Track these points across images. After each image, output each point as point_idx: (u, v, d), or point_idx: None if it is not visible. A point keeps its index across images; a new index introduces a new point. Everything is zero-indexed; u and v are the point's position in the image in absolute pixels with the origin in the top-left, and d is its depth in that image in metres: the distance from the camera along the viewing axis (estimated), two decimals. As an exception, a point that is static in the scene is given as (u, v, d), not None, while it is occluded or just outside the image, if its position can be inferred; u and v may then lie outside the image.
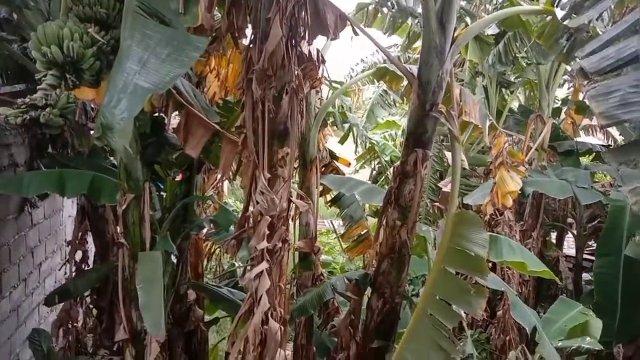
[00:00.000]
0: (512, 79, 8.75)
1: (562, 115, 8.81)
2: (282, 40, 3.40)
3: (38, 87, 2.19)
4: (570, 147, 7.79)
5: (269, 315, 3.48)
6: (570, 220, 9.09)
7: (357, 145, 8.84)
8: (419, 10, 6.40)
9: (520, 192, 5.97)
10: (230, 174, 4.80)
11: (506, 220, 7.00)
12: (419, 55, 4.28)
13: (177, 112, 4.27)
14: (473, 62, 7.49)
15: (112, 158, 5.40)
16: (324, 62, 4.18)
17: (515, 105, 9.61)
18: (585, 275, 8.41)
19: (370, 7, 6.89)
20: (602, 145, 8.82)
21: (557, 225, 8.89)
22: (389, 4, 6.65)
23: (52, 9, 4.70)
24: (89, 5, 2.35)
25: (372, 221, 7.31)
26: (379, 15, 6.91)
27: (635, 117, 1.15)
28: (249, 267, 3.59)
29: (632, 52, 1.25)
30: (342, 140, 8.14)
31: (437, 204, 7.45)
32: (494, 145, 6.04)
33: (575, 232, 8.72)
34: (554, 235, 9.40)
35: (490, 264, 5.40)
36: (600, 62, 1.30)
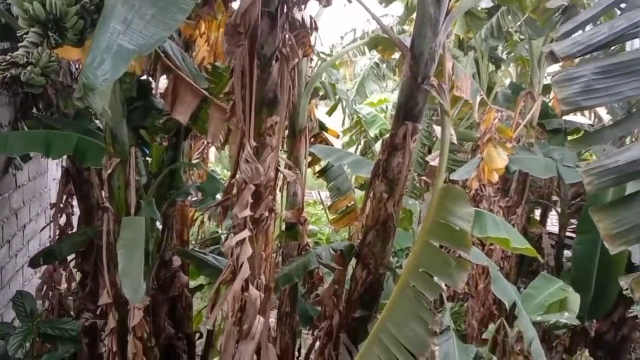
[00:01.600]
0: (504, 55, 8.71)
1: (552, 94, 8.82)
2: (258, 1, 3.30)
3: (19, 44, 2.12)
4: (559, 125, 7.81)
5: (250, 282, 3.50)
6: (554, 197, 9.19)
7: (344, 118, 8.80)
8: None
9: (505, 169, 6.00)
10: (218, 140, 4.75)
11: (491, 196, 7.06)
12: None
13: (164, 76, 4.19)
14: (459, 36, 7.43)
15: (97, 121, 5.32)
16: (316, 29, 4.10)
17: (506, 82, 9.59)
18: (567, 253, 8.55)
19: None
20: (590, 125, 8.87)
21: (542, 202, 8.99)
22: None
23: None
24: (72, -40, 2.27)
25: (359, 194, 7.33)
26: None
27: (596, 103, 1.15)
28: (231, 235, 3.59)
29: (601, 39, 1.24)
30: (330, 112, 8.09)
31: (424, 177, 7.47)
32: (483, 121, 6.04)
33: (559, 209, 8.83)
34: (538, 212, 9.52)
35: (476, 240, 5.46)
36: (572, 47, 1.28)
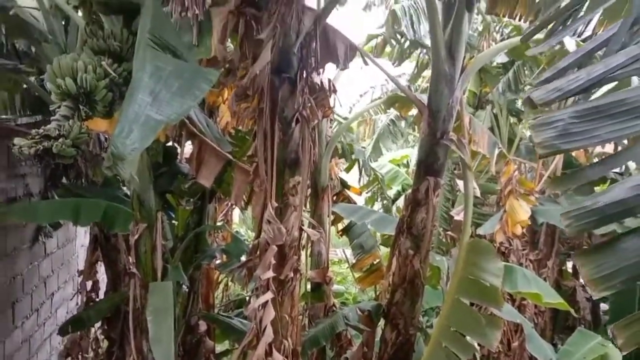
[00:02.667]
0: (523, 108, 8.74)
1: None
2: (268, 66, 3.43)
3: (52, 118, 2.22)
4: (584, 174, 7.70)
5: (274, 346, 3.43)
6: (586, 248, 8.93)
7: (361, 176, 8.86)
8: (427, 41, 6.47)
9: (532, 221, 5.90)
10: (242, 203, 4.81)
11: (519, 249, 6.90)
12: (428, 84, 4.31)
13: (190, 142, 4.31)
14: (474, 92, 7.53)
15: (125, 188, 5.45)
16: (335, 91, 4.22)
17: (528, 134, 9.58)
18: (604, 306, 8.21)
19: (379, 39, 6.98)
20: (617, 173, 8.72)
21: (573, 254, 8.73)
22: (398, 36, 6.73)
23: (69, 42, 4.83)
24: (103, 38, 2.41)
25: (384, 251, 7.25)
26: (388, 46, 6.99)
27: (573, 147, 1.14)
28: (254, 297, 3.55)
29: (579, 84, 1.24)
30: (348, 170, 8.15)
31: (449, 232, 7.37)
32: (503, 174, 6.01)
33: (592, 261, 8.54)
34: (570, 264, 9.23)
35: (507, 295, 5.31)
36: (550, 93, 1.28)
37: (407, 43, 6.83)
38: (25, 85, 5.01)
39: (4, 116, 5.16)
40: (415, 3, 6.34)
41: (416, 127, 7.61)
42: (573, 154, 8.19)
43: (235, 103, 3.74)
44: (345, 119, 7.51)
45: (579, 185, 3.75)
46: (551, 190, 6.39)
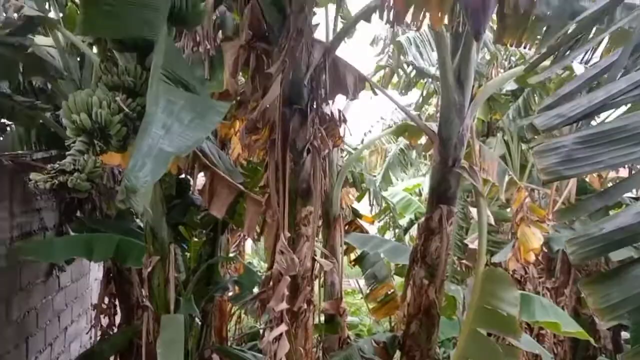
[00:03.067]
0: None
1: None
2: (278, 98, 3.49)
3: (67, 152, 2.26)
4: (599, 200, 7.60)
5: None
6: (605, 275, 8.75)
7: (372, 205, 8.85)
8: (433, 71, 6.55)
9: (547, 248, 5.82)
10: (255, 234, 4.81)
11: (534, 277, 6.79)
12: (434, 111, 4.33)
13: (202, 174, 4.34)
14: (481, 120, 7.54)
15: (138, 220, 5.48)
16: (345, 121, 4.25)
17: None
18: (625, 334, 7.99)
19: (387, 70, 7.06)
20: (632, 198, 8.60)
21: (580, 279, 8.54)
22: (405, 65, 6.81)
23: (84, 79, 4.94)
24: (117, 74, 2.46)
25: (398, 280, 7.16)
26: (395, 76, 7.07)
27: (577, 173, 1.13)
28: (268, 330, 3.52)
29: (581, 110, 1.25)
30: (359, 199, 8.14)
31: (464, 261, 7.29)
32: (515, 201, 5.98)
33: (611, 288, 8.36)
34: (589, 292, 9.03)
35: (524, 324, 5.20)
36: (552, 119, 1.28)
37: (414, 72, 6.90)
38: (41, 121, 5.12)
39: (20, 151, 5.25)
40: (420, 34, 6.43)
41: (426, 155, 7.61)
42: (587, 179, 8.12)
43: (246, 136, 3.79)
44: (355, 149, 7.54)
45: (590, 213, 3.70)
46: (559, 221, 6.32)
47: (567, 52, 2.04)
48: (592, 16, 1.78)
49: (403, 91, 7.16)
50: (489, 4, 2.23)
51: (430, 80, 7.01)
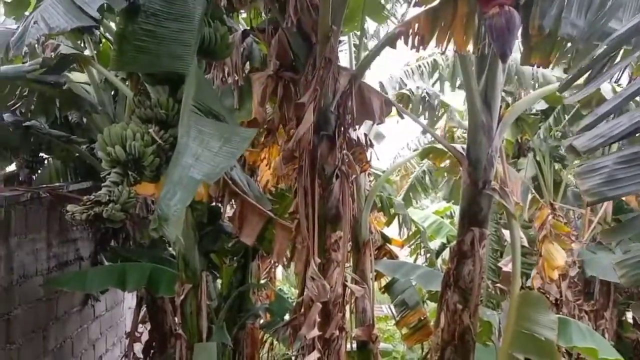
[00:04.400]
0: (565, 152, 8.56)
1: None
2: (311, 127, 3.53)
3: (102, 184, 2.33)
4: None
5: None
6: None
7: (401, 229, 8.77)
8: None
9: (582, 272, 5.68)
10: (285, 260, 4.81)
11: (571, 301, 6.58)
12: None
13: (232, 201, 4.40)
14: (510, 141, 7.45)
15: (171, 249, 5.56)
16: (372, 145, 4.27)
17: (573, 178, 9.32)
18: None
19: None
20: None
21: (633, 303, 8.22)
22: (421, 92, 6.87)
23: (118, 112, 5.10)
24: (150, 107, 2.54)
25: (431, 306, 7.03)
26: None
27: (621, 193, 1.10)
28: (300, 357, 3.49)
29: (621, 130, 1.22)
30: (388, 223, 8.07)
31: (498, 284, 7.12)
32: (537, 218, 5.87)
33: (655, 310, 8.03)
34: (630, 314, 8.68)
35: (562, 349, 5.02)
36: (592, 140, 1.25)
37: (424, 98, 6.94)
38: (77, 154, 5.28)
39: (57, 183, 5.42)
40: (420, 65, 6.57)
41: (448, 176, 7.55)
42: (624, 198, 7.89)
43: (284, 166, 3.84)
44: (383, 172, 7.51)
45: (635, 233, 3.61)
46: (606, 241, 6.14)
47: (602, 71, 2.02)
48: (623, 35, 1.77)
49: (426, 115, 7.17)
50: (514, 24, 2.24)
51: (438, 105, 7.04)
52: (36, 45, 4.77)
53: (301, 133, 3.49)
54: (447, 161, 6.02)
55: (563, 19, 2.35)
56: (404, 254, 10.43)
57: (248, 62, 4.45)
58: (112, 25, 4.61)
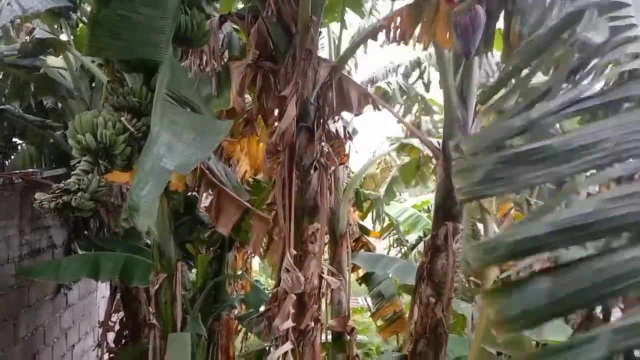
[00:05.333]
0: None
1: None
2: (294, 120, 3.52)
3: (72, 172, 2.29)
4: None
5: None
6: None
7: (374, 222, 8.83)
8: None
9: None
10: (261, 251, 4.80)
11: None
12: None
13: (209, 191, 4.36)
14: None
15: (146, 238, 5.51)
16: (350, 138, 4.26)
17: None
18: None
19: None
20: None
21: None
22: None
23: (94, 99, 5.01)
24: (123, 95, 2.49)
25: (406, 298, 7.09)
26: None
27: (496, 192, 1.13)
28: (273, 348, 3.50)
29: (510, 131, 1.25)
30: (362, 217, 8.10)
31: (472, 279, 7.21)
32: (499, 210, 5.98)
33: None
34: (599, 308, 8.86)
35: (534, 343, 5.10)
36: (480, 142, 1.28)
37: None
38: (51, 140, 5.19)
39: (30, 169, 5.32)
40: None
41: (425, 170, 7.61)
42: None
43: (268, 160, 3.82)
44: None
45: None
46: None
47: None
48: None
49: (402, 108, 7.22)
50: (479, 23, 2.24)
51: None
52: (10, 29, 4.66)
53: (284, 127, 3.47)
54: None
55: (544, 26, 2.36)
56: (382, 246, 10.50)
57: (227, 50, 4.41)
58: (89, 9, 4.52)
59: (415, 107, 7.50)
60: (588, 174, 1.11)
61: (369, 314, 10.61)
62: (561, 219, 1.02)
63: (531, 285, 0.98)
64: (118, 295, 5.63)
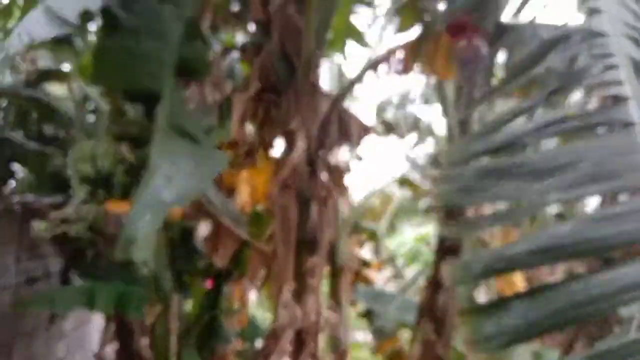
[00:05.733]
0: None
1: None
2: (304, 153, 3.51)
3: (70, 202, 2.27)
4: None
5: None
6: None
7: (374, 255, 8.77)
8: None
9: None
10: (259, 284, 4.73)
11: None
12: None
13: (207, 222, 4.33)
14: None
15: (143, 268, 5.44)
16: (351, 171, 4.25)
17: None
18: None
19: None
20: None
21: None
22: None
23: (96, 127, 5.03)
24: (123, 124, 2.50)
25: (408, 334, 6.97)
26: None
27: (470, 202, 1.16)
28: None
29: (487, 148, 1.29)
30: (362, 250, 8.03)
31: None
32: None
33: None
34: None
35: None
36: (459, 154, 1.33)
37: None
38: (52, 168, 5.18)
39: (30, 198, 5.30)
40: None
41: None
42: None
43: (279, 195, 3.79)
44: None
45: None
46: None
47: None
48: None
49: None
50: (480, 59, 2.26)
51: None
52: (18, 58, 4.72)
53: (295, 161, 3.47)
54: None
55: (525, 54, 2.40)
56: (383, 276, 10.38)
57: (230, 80, 4.44)
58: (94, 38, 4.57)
59: (418, 136, 7.51)
60: (564, 192, 1.12)
61: (367, 350, 10.42)
62: (537, 240, 1.04)
63: (507, 307, 0.98)
64: (113, 326, 5.52)
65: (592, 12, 1.44)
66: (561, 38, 1.52)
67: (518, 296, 0.98)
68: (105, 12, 2.36)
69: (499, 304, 0.97)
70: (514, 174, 1.12)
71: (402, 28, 3.47)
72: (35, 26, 2.42)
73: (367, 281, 6.41)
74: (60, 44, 4.44)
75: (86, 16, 2.42)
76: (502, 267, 1.03)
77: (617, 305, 0.95)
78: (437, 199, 1.10)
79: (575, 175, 1.08)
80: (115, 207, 3.15)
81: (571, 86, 1.46)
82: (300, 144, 3.45)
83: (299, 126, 3.51)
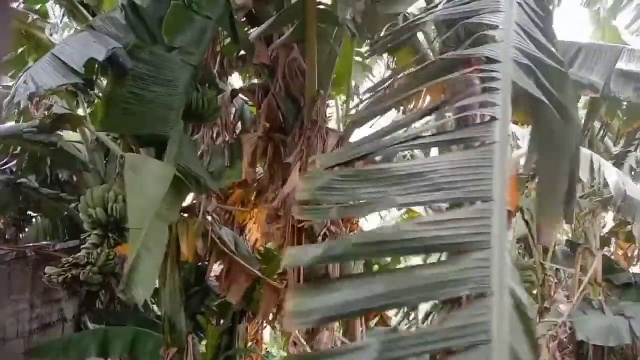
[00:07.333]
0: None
1: (613, 247, 8.44)
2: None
3: (82, 246, 2.31)
4: (629, 279, 7.28)
5: None
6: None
7: None
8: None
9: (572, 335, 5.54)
10: (272, 321, 4.70)
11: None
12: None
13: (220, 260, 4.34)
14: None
15: (157, 310, 5.44)
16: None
17: (563, 239, 9.28)
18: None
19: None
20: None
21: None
22: None
23: (109, 172, 5.12)
24: (134, 169, 2.56)
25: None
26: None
27: (329, 200, 1.25)
28: None
29: (362, 152, 1.41)
30: None
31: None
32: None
33: (655, 375, 7.81)
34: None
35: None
36: (333, 159, 1.45)
37: None
38: (66, 213, 5.25)
39: (44, 242, 5.36)
40: None
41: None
42: (612, 257, 7.84)
43: (268, 225, 3.82)
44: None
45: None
46: (601, 297, 6.06)
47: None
48: None
49: None
50: (473, 92, 2.33)
51: None
52: (29, 105, 4.84)
53: (286, 192, 3.49)
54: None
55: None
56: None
57: (240, 122, 4.52)
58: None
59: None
60: (410, 198, 1.24)
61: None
62: (367, 236, 1.18)
63: (331, 288, 1.07)
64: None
65: (492, 41, 1.60)
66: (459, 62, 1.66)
67: (343, 279, 1.07)
68: (114, 60, 2.45)
69: (325, 284, 1.04)
70: (372, 180, 1.24)
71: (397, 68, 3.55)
72: (42, 75, 2.52)
73: (382, 317, 6.34)
74: (73, 91, 4.58)
75: (94, 65, 2.52)
76: (337, 255, 1.14)
77: (418, 301, 1.07)
78: (302, 192, 1.20)
79: (422, 184, 1.22)
80: (127, 250, 3.19)
81: (447, 104, 1.66)
82: (294, 177, 3.48)
83: (296, 159, 3.56)
